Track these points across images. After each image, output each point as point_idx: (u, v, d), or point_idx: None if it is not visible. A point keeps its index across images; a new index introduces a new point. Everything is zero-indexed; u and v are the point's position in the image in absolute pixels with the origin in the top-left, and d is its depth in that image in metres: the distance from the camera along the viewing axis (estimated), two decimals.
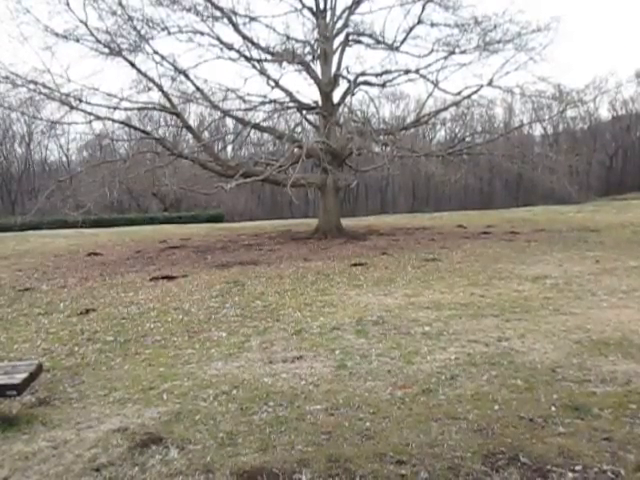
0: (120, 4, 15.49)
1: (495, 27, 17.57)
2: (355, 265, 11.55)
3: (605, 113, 51.72)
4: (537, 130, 41.12)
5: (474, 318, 6.64)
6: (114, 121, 16.83)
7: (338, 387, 4.49)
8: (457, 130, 25.87)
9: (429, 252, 13.36)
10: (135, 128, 18.36)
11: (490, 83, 18.09)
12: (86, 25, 14.88)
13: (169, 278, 11.06)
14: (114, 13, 15.58)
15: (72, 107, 14.97)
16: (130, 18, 15.76)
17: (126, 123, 18.37)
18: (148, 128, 20.94)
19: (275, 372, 4.94)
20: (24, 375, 4.06)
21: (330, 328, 6.41)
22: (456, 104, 20.07)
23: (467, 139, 20.53)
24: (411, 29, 18.17)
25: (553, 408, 3.88)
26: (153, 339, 6.37)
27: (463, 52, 18.09)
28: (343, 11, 18.59)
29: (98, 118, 15.57)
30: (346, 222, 21.53)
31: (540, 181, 19.70)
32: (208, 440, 3.62)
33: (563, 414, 3.77)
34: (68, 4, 14.55)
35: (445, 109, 21.09)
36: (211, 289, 9.54)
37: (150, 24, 16.45)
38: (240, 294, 8.93)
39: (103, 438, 3.73)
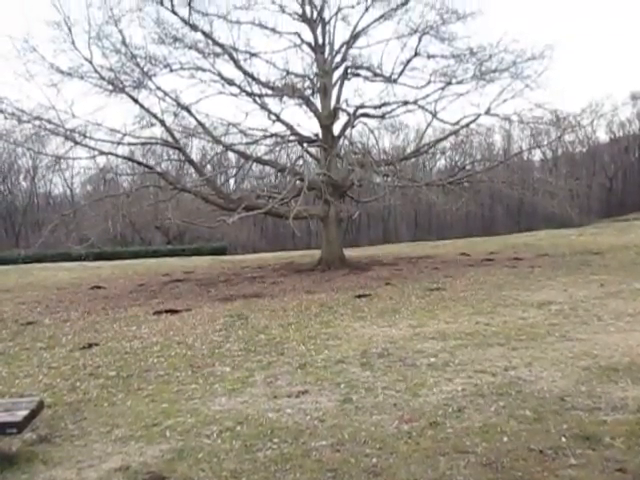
0: (124, 43, 15.91)
1: (490, 57, 17.94)
2: (359, 296, 11.49)
3: (603, 135, 52.28)
4: (536, 155, 41.38)
5: (480, 347, 6.57)
6: (117, 156, 17.06)
7: (344, 422, 4.41)
8: (457, 158, 26.09)
9: (433, 281, 13.31)
10: (138, 163, 18.59)
11: (488, 111, 18.35)
12: (91, 63, 15.26)
13: (172, 312, 11.01)
14: (118, 51, 16.00)
15: (76, 142, 15.21)
16: (133, 56, 16.15)
17: (129, 158, 18.62)
18: (151, 162, 21.22)
19: (279, 407, 4.87)
20: (25, 412, 4.01)
21: (335, 361, 6.34)
22: (455, 133, 20.31)
23: (467, 167, 20.63)
24: (408, 61, 18.56)
25: (563, 439, 3.80)
26: (156, 374, 6.31)
27: (460, 82, 18.42)
28: (341, 46, 19.03)
29: (102, 153, 15.79)
30: (349, 253, 21.53)
31: (541, 205, 19.77)
32: (212, 479, 3.55)
33: (574, 444, 3.69)
34: (73, 43, 14.97)
35: (444, 138, 21.32)
36: (214, 323, 9.49)
37: (153, 61, 16.86)
38: (244, 328, 8.88)
39: (105, 477, 3.66)
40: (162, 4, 16.49)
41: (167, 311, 11.10)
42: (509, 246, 22.96)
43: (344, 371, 5.91)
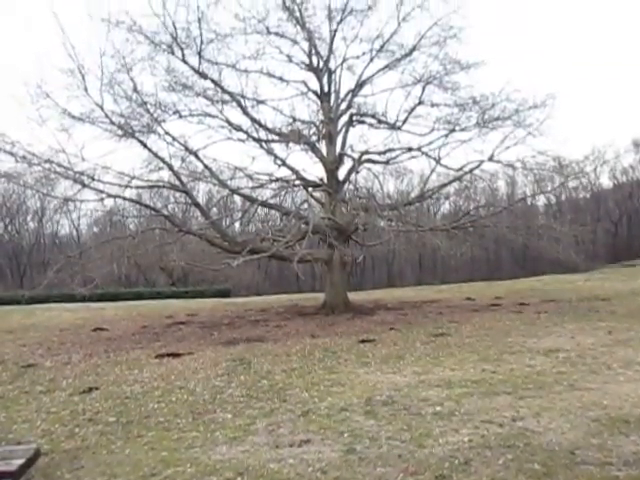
0: (135, 90, 16.35)
1: (493, 105, 18.32)
2: (363, 341, 11.37)
3: (606, 181, 52.53)
4: (540, 200, 41.57)
5: (486, 396, 6.44)
6: (125, 199, 17.28)
7: (347, 474, 4.29)
8: (461, 203, 26.25)
9: (438, 326, 13.18)
10: (145, 205, 18.80)
11: (491, 158, 18.60)
12: (102, 108, 15.63)
13: (174, 355, 10.91)
14: (129, 98, 16.42)
15: (84, 185, 15.42)
16: (144, 102, 16.57)
17: (136, 201, 18.84)
18: (158, 204, 21.44)
19: (281, 457, 4.75)
20: (21, 461, 3.95)
21: (338, 409, 6.22)
22: (459, 179, 20.51)
23: (471, 212, 20.74)
24: (412, 109, 18.98)
25: None
26: (156, 420, 6.19)
27: (463, 129, 18.77)
28: (347, 94, 19.53)
29: (109, 196, 15.98)
30: (353, 296, 21.43)
31: (546, 250, 19.74)
32: None
33: None
34: (86, 89, 15.37)
35: (448, 184, 21.52)
36: (217, 367, 9.37)
37: (162, 108, 17.31)
38: (246, 372, 8.76)
39: None
40: (173, 53, 17.06)
41: (169, 354, 11.00)
42: (515, 291, 22.81)
43: (348, 419, 5.79)
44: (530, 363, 8.32)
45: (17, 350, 12.74)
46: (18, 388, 8.40)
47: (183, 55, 17.05)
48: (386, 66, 19.34)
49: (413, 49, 18.91)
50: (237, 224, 25.49)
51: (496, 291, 23.43)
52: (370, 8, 18.61)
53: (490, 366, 8.21)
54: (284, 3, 18.24)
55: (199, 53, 17.08)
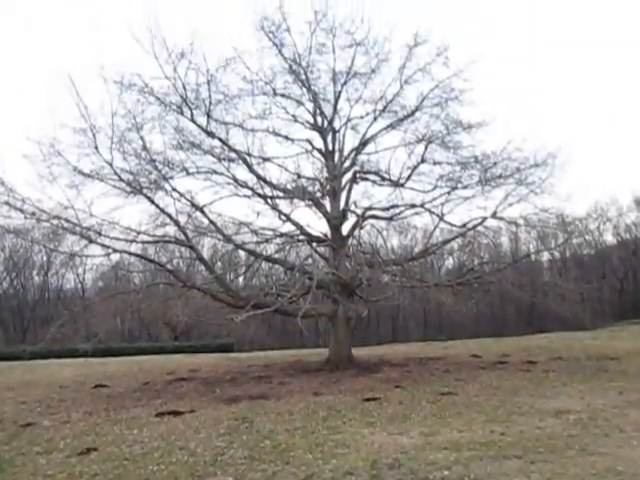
0: (145, 148, 16.82)
1: (495, 164, 18.60)
2: (368, 400, 11.14)
3: (610, 238, 52.51)
4: (544, 256, 41.52)
5: (496, 460, 6.26)
6: (130, 254, 17.40)
7: None
8: (465, 258, 26.28)
9: (444, 385, 12.93)
10: (150, 260, 18.90)
11: (494, 215, 18.75)
12: (111, 166, 16.01)
13: (175, 413, 10.70)
14: (138, 156, 16.85)
15: (91, 241, 15.59)
16: (152, 160, 16.98)
17: (142, 256, 18.95)
18: (163, 259, 21.60)
19: None
20: None
21: (343, 472, 6.04)
22: (462, 235, 20.61)
23: (475, 268, 20.72)
24: (415, 167, 19.31)
25: None
26: None
27: (465, 187, 18.96)
28: (350, 152, 19.99)
29: (115, 251, 16.11)
30: (358, 352, 21.12)
31: (553, 307, 19.54)
32: None
33: None
34: (96, 148, 15.80)
35: (452, 240, 21.61)
36: (218, 426, 9.17)
37: (170, 165, 17.71)
38: (248, 432, 8.56)
39: None
40: (182, 114, 17.62)
41: (170, 412, 10.79)
42: (521, 348, 22.44)
43: None
44: (540, 425, 8.12)
45: (16, 408, 12.52)
46: (15, 449, 8.22)
47: (192, 115, 17.61)
48: (389, 125, 19.86)
49: (415, 110, 19.44)
50: (241, 278, 25.49)
51: (502, 348, 23.07)
52: (373, 71, 19.32)
53: (499, 427, 8.02)
54: (290, 67, 19.00)
55: (207, 113, 17.64)
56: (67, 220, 15.24)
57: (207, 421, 9.72)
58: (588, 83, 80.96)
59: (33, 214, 14.93)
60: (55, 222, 15.30)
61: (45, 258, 46.41)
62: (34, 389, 15.98)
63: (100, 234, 15.67)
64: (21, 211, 14.58)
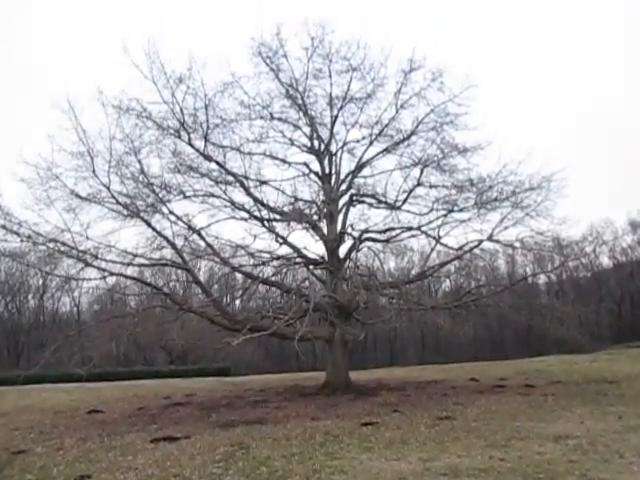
0: (142, 171, 16.88)
1: (490, 187, 18.73)
2: (365, 424, 11.02)
3: (606, 260, 52.64)
4: (541, 278, 41.54)
5: None
6: (127, 277, 17.32)
7: None
8: (462, 281, 26.29)
9: (442, 409, 12.81)
10: (147, 284, 18.79)
11: (490, 237, 18.82)
12: (108, 189, 16.03)
13: (170, 439, 10.55)
14: (135, 179, 16.91)
15: (87, 264, 15.50)
16: (150, 183, 17.03)
17: (138, 279, 18.83)
18: (159, 282, 21.45)
19: None
20: None
21: None
22: (459, 257, 20.64)
23: (473, 291, 20.71)
24: (411, 190, 19.46)
25: None
26: None
27: (461, 210, 19.07)
28: (347, 175, 20.15)
29: (112, 274, 16.00)
30: (355, 376, 20.95)
31: (550, 330, 19.48)
32: None
33: None
34: (94, 171, 15.85)
35: (448, 262, 21.65)
36: (214, 452, 9.04)
37: (168, 188, 17.75)
38: (244, 459, 8.44)
39: None
40: (180, 137, 17.75)
41: (165, 438, 10.63)
42: (520, 372, 22.31)
43: None
44: (539, 450, 8.04)
45: (9, 435, 12.33)
46: (6, 477, 8.09)
47: (189, 139, 17.76)
48: (385, 149, 20.06)
49: (411, 134, 19.66)
50: (238, 301, 25.40)
51: (500, 371, 22.93)
52: (369, 96, 19.60)
53: (498, 453, 7.93)
54: (287, 92, 19.27)
55: (205, 137, 17.79)
56: (63, 243, 15.18)
57: (203, 447, 9.59)
58: (584, 105, 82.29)
59: (29, 237, 14.88)
60: (51, 245, 15.24)
61: (41, 281, 46.04)
62: (27, 415, 15.77)
63: (96, 257, 15.59)
64: (17, 234, 14.52)
